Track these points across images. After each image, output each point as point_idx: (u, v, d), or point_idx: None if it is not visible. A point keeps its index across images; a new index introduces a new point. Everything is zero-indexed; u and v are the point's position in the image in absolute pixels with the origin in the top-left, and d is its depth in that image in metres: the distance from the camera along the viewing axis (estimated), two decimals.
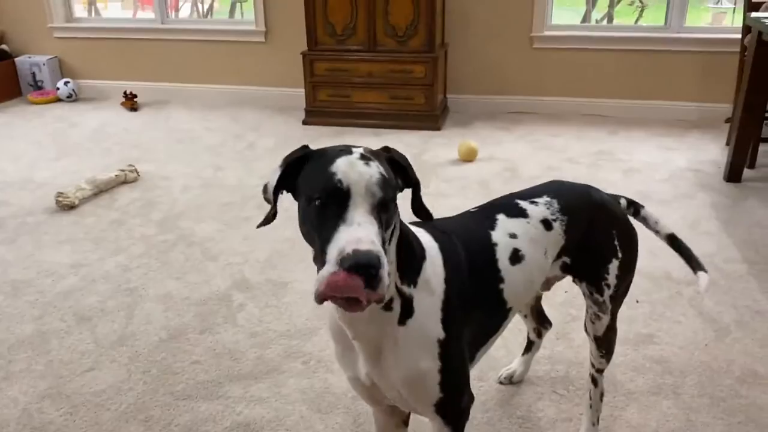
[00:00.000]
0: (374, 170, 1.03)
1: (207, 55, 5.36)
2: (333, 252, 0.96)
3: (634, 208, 1.67)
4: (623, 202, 1.66)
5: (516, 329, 2.18)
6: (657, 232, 1.67)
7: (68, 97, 5.51)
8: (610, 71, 4.79)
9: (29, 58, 5.65)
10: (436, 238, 1.29)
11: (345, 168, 1.02)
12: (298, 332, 2.32)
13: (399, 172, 1.14)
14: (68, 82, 5.52)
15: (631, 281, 1.63)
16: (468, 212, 1.51)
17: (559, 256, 1.52)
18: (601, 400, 1.77)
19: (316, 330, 2.32)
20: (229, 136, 4.54)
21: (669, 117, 4.75)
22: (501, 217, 1.45)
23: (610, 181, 3.58)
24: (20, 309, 2.48)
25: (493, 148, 4.15)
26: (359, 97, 4.67)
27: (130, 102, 5.23)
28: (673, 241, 1.67)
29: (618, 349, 1.85)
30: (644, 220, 1.67)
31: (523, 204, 1.49)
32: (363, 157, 1.06)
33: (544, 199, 1.51)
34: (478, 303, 1.33)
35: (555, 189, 1.56)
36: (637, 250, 1.60)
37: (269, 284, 2.64)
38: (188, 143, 4.41)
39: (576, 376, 2.06)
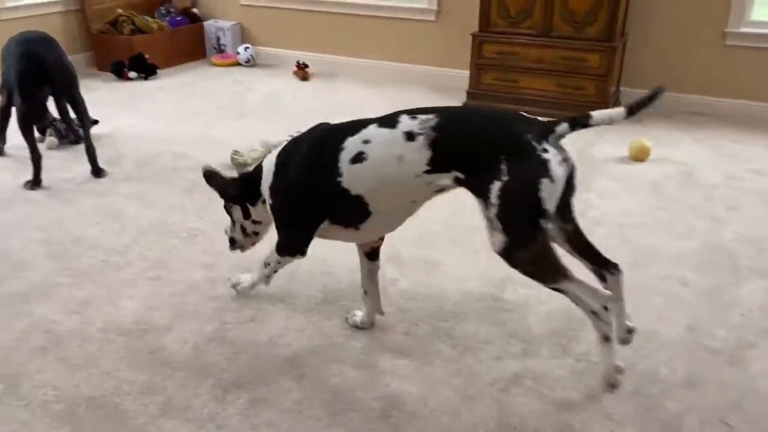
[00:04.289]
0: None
1: (377, 31, 5.45)
2: None
3: (582, 122, 1.71)
4: (564, 125, 1.71)
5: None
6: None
7: (247, 62, 5.86)
8: None
9: (215, 22, 6.07)
10: (280, 155, 2.02)
11: None
12: (447, 314, 2.31)
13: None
14: (248, 47, 5.87)
15: (525, 208, 1.69)
16: (365, 119, 1.89)
17: (436, 167, 1.75)
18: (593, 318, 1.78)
19: (466, 315, 2.30)
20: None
21: None
22: (371, 126, 1.83)
23: None
24: (194, 255, 2.68)
25: (667, 150, 3.87)
26: (526, 83, 4.53)
27: (302, 71, 5.46)
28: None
29: None
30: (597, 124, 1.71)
31: (402, 117, 1.80)
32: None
33: (425, 116, 1.77)
34: (320, 192, 1.89)
35: (456, 111, 1.95)
36: (531, 182, 1.66)
37: (421, 262, 2.65)
38: (351, 115, 4.49)
39: (749, 405, 1.88)
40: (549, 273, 1.75)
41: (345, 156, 1.83)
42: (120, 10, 5.57)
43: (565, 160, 1.71)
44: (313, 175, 1.88)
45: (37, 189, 3.26)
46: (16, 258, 2.63)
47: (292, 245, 2.06)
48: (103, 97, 4.85)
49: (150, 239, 2.80)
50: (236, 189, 2.17)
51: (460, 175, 1.75)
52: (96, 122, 3.99)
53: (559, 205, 1.72)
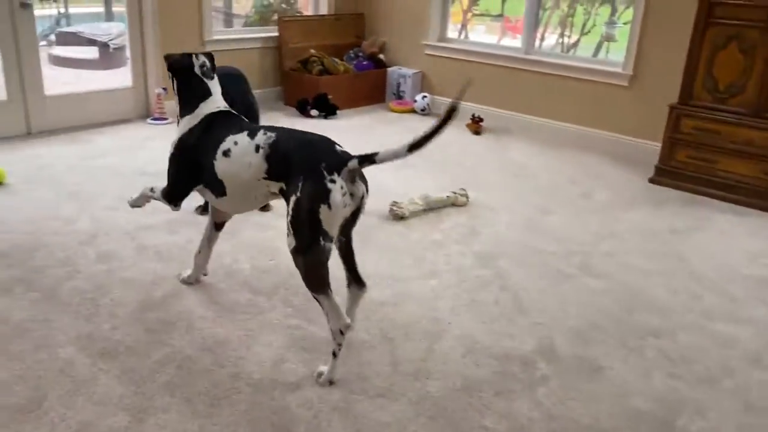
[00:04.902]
0: None
1: (561, 90, 5.18)
2: None
3: (369, 160, 2.07)
4: (354, 161, 2.07)
5: None
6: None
7: (422, 110, 5.84)
8: None
9: (399, 69, 6.15)
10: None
11: None
12: None
13: None
14: (425, 96, 5.86)
15: (306, 223, 2.00)
16: (247, 124, 2.41)
17: (271, 176, 2.15)
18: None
19: None
20: (565, 179, 4.28)
21: None
22: (244, 133, 2.24)
23: None
24: None
25: None
26: (727, 166, 3.99)
27: (476, 125, 5.32)
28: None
29: None
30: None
31: (261, 131, 2.21)
32: None
33: (270, 133, 2.19)
34: (200, 163, 2.32)
35: (291, 133, 2.22)
36: (313, 203, 1.98)
37: (579, 362, 2.32)
38: (522, 177, 4.27)
39: None
40: (316, 283, 2.08)
41: (221, 147, 2.27)
42: (312, 51, 5.83)
43: (352, 193, 2.08)
44: (200, 149, 2.34)
45: (206, 215, 3.38)
46: (170, 286, 2.69)
47: (171, 194, 2.46)
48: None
49: (295, 283, 2.73)
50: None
51: (283, 186, 2.12)
52: None
53: (343, 224, 2.08)
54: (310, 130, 2.32)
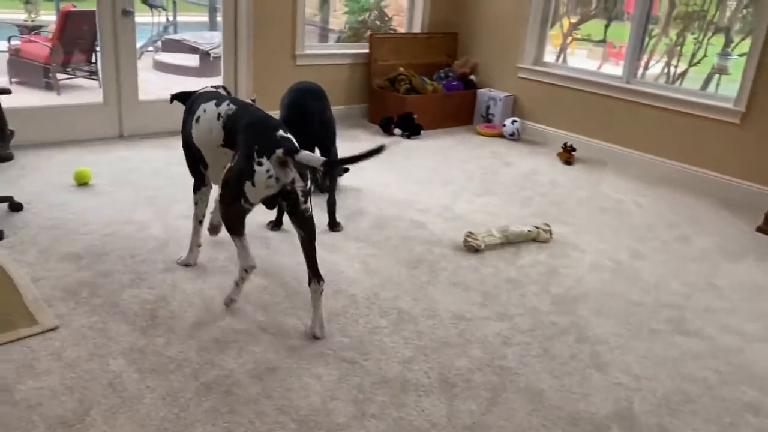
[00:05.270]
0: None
1: (664, 124, 4.81)
2: None
3: (291, 153, 2.23)
4: (281, 151, 2.23)
5: None
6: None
7: (511, 135, 5.62)
8: None
9: (490, 91, 5.95)
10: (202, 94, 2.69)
11: None
12: None
13: None
14: (515, 121, 5.63)
15: (231, 188, 2.29)
16: (219, 94, 2.64)
17: (226, 144, 2.44)
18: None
19: None
20: (661, 221, 3.94)
21: None
22: (212, 102, 2.52)
23: None
24: (395, 343, 2.42)
25: None
26: None
27: (567, 154, 5.04)
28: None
29: None
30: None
31: (226, 101, 2.48)
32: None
33: (232, 105, 2.45)
34: (189, 141, 2.64)
35: (248, 110, 2.42)
36: (240, 177, 2.25)
37: None
38: (612, 215, 3.97)
39: None
40: (231, 228, 2.41)
41: (195, 115, 2.55)
42: (401, 69, 5.74)
43: (278, 177, 2.23)
44: (187, 126, 2.63)
45: (277, 230, 3.32)
46: (214, 305, 2.63)
47: (194, 183, 2.79)
48: (363, 149, 4.95)
49: (357, 312, 2.61)
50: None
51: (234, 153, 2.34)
52: (346, 170, 4.04)
53: (269, 202, 2.35)
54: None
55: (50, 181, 3.75)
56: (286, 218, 3.37)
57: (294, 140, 2.30)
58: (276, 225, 3.33)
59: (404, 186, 4.20)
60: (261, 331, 2.43)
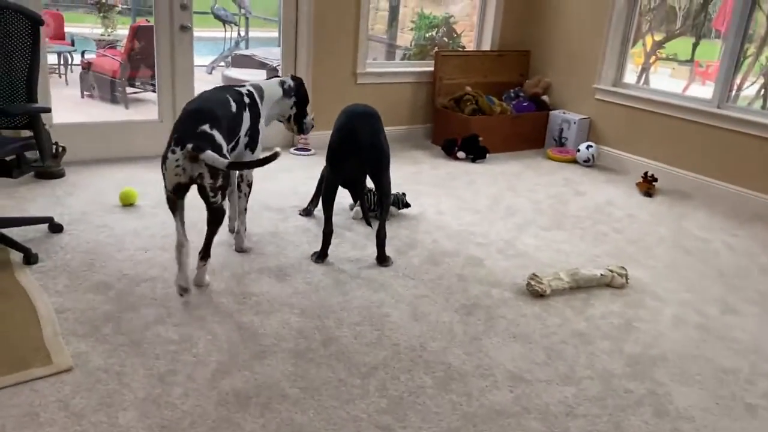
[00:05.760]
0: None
1: (757, 154, 4.30)
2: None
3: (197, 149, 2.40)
4: (190, 146, 2.41)
5: None
6: None
7: (585, 161, 5.20)
8: None
9: (563, 113, 5.56)
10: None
11: None
12: None
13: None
14: (591, 146, 5.21)
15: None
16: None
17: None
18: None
19: None
20: (755, 266, 3.46)
21: None
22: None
23: None
24: (442, 406, 2.11)
25: None
26: None
27: (647, 185, 4.59)
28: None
29: None
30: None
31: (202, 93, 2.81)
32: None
33: (201, 95, 2.77)
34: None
35: (199, 100, 2.67)
36: (161, 161, 2.50)
37: None
38: (698, 257, 3.52)
39: None
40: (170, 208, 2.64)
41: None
42: (468, 88, 5.44)
43: (184, 168, 2.43)
44: None
45: (321, 263, 3.08)
46: (257, 347, 2.39)
47: None
48: (424, 174, 4.68)
49: (399, 366, 2.31)
50: None
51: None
52: (407, 205, 3.77)
53: (180, 191, 2.55)
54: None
55: (97, 200, 3.64)
56: (332, 250, 3.13)
57: (215, 137, 2.47)
58: (320, 257, 3.09)
59: (463, 215, 3.88)
60: (289, 384, 2.17)
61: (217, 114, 2.57)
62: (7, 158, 2.82)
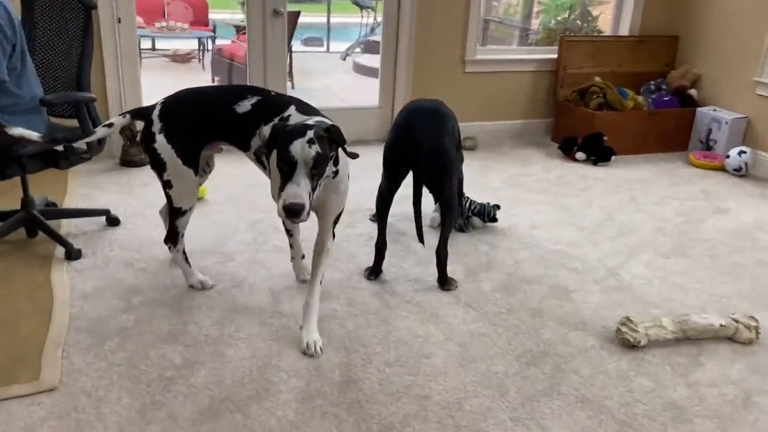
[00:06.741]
0: (313, 151, 1.87)
1: None
2: (282, 199, 1.87)
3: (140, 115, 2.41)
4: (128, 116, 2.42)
5: None
6: None
7: (736, 170, 4.31)
8: None
9: (713, 111, 4.66)
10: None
11: (297, 149, 1.87)
12: None
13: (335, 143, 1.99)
14: (744, 152, 4.30)
15: None
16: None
17: None
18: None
19: None
20: None
21: None
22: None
23: None
24: None
25: None
26: None
27: None
28: None
29: None
30: None
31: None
32: (309, 141, 1.88)
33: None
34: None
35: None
36: None
37: None
38: None
39: None
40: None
41: None
42: (597, 79, 4.73)
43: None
44: None
45: (373, 280, 2.69)
46: (277, 362, 2.05)
47: None
48: (531, 178, 4.10)
49: (420, 428, 1.87)
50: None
51: None
52: (498, 207, 3.25)
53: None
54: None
55: None
56: (393, 265, 2.73)
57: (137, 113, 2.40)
58: (372, 273, 2.70)
59: (563, 232, 3.29)
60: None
61: (163, 101, 2.40)
62: (57, 148, 2.72)
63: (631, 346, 2.29)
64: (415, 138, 2.45)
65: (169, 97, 2.37)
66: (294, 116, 2.21)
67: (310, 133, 1.90)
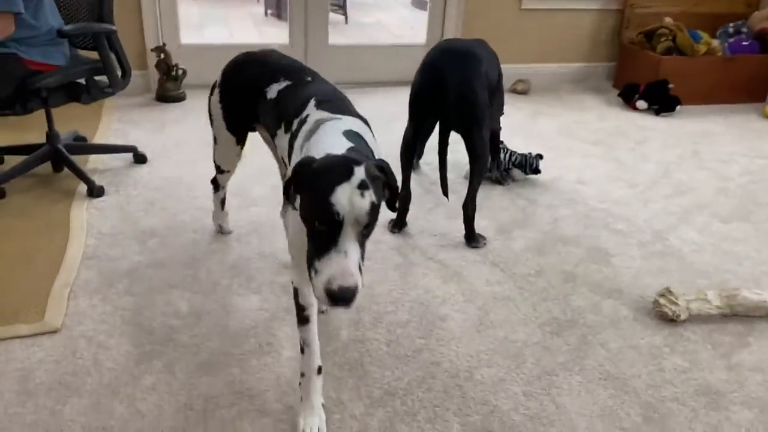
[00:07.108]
0: (366, 202, 1.18)
1: None
2: (323, 277, 1.19)
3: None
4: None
5: None
6: None
7: None
8: None
9: None
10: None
11: (343, 200, 1.16)
12: None
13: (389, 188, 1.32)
14: None
15: None
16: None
17: None
18: None
19: None
20: None
21: None
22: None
23: None
24: None
25: None
26: None
27: None
28: None
29: None
30: None
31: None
32: (360, 185, 1.17)
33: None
34: None
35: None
36: None
37: None
38: None
39: None
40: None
41: None
42: (668, 20, 4.31)
43: None
44: None
45: (397, 233, 2.55)
46: (248, 339, 1.97)
47: None
48: (585, 126, 3.81)
49: (424, 396, 1.75)
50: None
51: None
52: (540, 156, 3.03)
53: None
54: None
55: (199, 131, 3.43)
56: (422, 218, 2.58)
57: None
58: (396, 226, 2.56)
59: (612, 188, 3.04)
60: (275, 397, 1.73)
61: None
62: (79, 81, 2.65)
63: (669, 320, 2.09)
64: (443, 81, 2.24)
65: (240, 54, 2.01)
66: (312, 115, 1.52)
67: (360, 173, 1.20)
